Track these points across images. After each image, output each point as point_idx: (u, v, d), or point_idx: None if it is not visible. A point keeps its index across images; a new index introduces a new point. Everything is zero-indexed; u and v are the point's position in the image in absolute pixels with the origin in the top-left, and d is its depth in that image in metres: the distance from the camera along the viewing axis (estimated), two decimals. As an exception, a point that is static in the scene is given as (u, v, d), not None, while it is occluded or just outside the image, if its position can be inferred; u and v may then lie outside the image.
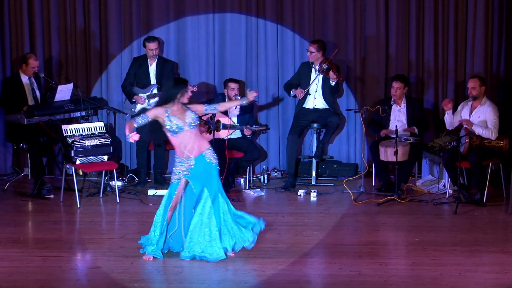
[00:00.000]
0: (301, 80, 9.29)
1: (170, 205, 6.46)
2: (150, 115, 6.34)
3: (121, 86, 9.42)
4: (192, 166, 6.41)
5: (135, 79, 9.25)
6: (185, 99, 6.39)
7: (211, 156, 6.45)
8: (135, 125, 6.33)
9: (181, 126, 6.33)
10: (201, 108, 6.55)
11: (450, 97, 9.58)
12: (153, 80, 9.21)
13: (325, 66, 9.05)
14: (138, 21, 9.77)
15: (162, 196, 8.65)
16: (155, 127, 6.38)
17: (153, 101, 9.16)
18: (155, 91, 9.16)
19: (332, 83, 9.12)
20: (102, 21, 9.76)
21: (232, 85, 9.10)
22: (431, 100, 9.70)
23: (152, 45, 9.13)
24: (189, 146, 6.39)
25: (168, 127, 6.33)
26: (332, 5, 9.70)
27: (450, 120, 8.71)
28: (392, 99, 9.02)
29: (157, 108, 6.39)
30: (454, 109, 8.87)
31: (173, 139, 6.42)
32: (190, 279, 6.04)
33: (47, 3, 9.70)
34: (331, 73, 8.96)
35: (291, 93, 9.26)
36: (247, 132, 9.06)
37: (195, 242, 6.38)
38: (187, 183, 6.48)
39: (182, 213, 6.52)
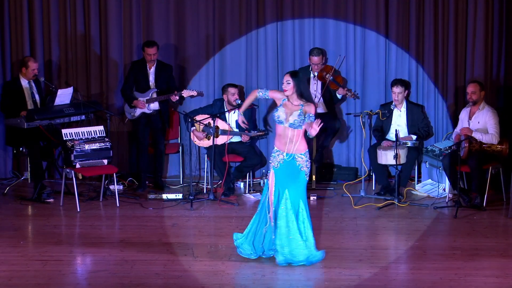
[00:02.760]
0: None
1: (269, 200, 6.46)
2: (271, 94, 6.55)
3: (120, 90, 9.42)
4: (282, 162, 6.43)
5: (134, 83, 9.25)
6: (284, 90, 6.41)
7: (302, 163, 6.41)
8: (258, 94, 6.57)
9: (282, 120, 6.38)
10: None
11: (450, 102, 9.59)
12: (152, 84, 9.21)
13: (329, 76, 9.05)
14: (138, 26, 9.77)
15: (161, 199, 8.76)
16: None
17: (153, 105, 9.17)
18: (154, 95, 9.16)
19: (339, 96, 9.19)
20: (102, 25, 9.76)
21: (232, 90, 9.08)
22: (431, 105, 9.70)
23: (151, 50, 9.11)
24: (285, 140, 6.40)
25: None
26: (332, 11, 9.71)
27: (456, 134, 8.71)
28: (393, 104, 9.02)
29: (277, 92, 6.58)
30: (456, 119, 8.88)
31: (277, 127, 6.47)
32: (190, 284, 6.04)
33: (47, 8, 9.70)
34: (340, 90, 9.06)
35: None
36: (245, 139, 9.04)
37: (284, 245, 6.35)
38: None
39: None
